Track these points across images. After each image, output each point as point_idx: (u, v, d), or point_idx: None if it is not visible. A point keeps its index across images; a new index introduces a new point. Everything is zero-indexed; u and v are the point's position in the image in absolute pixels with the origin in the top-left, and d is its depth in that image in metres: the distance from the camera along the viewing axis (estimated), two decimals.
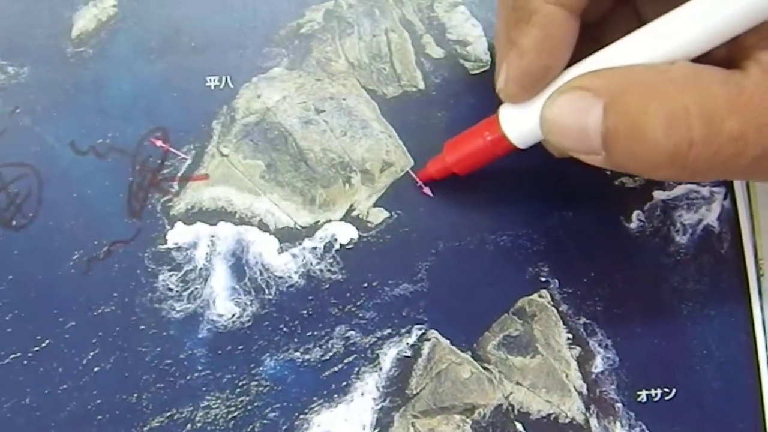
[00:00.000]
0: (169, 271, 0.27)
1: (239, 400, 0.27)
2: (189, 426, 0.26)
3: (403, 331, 0.28)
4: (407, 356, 0.28)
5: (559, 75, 0.23)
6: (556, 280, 0.29)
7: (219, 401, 0.26)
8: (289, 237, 0.28)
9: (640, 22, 0.24)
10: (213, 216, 0.28)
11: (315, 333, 0.27)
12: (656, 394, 0.29)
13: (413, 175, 0.29)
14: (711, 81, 0.20)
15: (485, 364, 0.28)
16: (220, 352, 0.27)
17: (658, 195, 0.30)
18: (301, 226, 0.28)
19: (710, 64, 0.20)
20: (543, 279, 0.29)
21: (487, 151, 0.26)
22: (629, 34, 0.22)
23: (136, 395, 0.26)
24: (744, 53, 0.20)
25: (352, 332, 0.27)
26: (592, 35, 0.25)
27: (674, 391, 0.29)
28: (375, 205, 0.28)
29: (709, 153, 0.19)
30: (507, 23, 0.23)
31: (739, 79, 0.20)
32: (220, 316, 0.27)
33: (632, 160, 0.21)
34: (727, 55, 0.21)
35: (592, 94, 0.20)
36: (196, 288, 0.27)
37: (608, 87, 0.20)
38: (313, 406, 0.27)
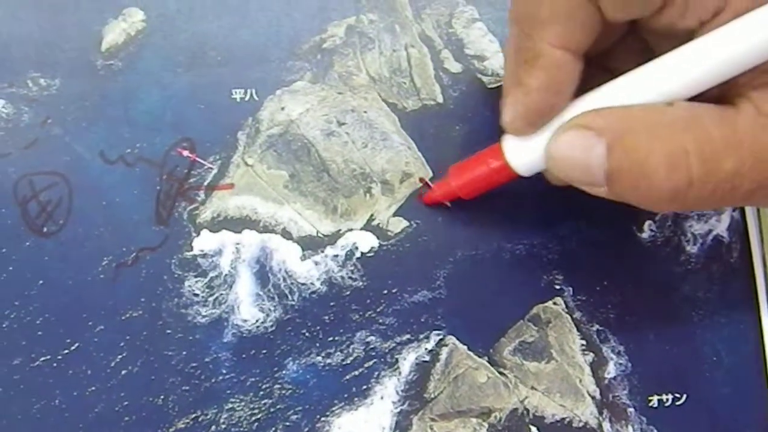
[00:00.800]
0: (195, 277, 0.28)
1: (262, 402, 0.27)
2: (213, 428, 0.27)
3: (421, 336, 0.28)
4: (426, 361, 0.28)
5: (564, 108, 0.24)
6: (570, 288, 0.29)
7: (243, 404, 0.27)
8: (311, 245, 0.28)
9: (648, 50, 0.24)
10: (238, 224, 0.28)
11: (336, 338, 0.28)
12: (667, 400, 0.29)
13: (428, 182, 0.29)
14: (708, 122, 0.20)
15: (501, 369, 0.29)
16: (244, 356, 0.27)
17: None
18: (323, 235, 0.29)
19: (703, 100, 0.21)
20: (557, 287, 0.29)
21: (491, 178, 0.26)
22: (631, 71, 0.22)
23: (162, 397, 0.27)
24: (736, 91, 0.21)
25: (372, 337, 0.28)
26: (599, 63, 0.25)
27: (685, 396, 0.29)
28: (395, 214, 0.29)
29: (707, 190, 0.20)
30: (515, 61, 0.24)
31: (733, 118, 0.20)
32: (245, 321, 0.28)
33: (634, 196, 0.22)
34: (720, 92, 0.22)
35: (594, 133, 0.21)
36: (221, 294, 0.28)
37: (611, 127, 0.21)
38: (334, 408, 0.27)
